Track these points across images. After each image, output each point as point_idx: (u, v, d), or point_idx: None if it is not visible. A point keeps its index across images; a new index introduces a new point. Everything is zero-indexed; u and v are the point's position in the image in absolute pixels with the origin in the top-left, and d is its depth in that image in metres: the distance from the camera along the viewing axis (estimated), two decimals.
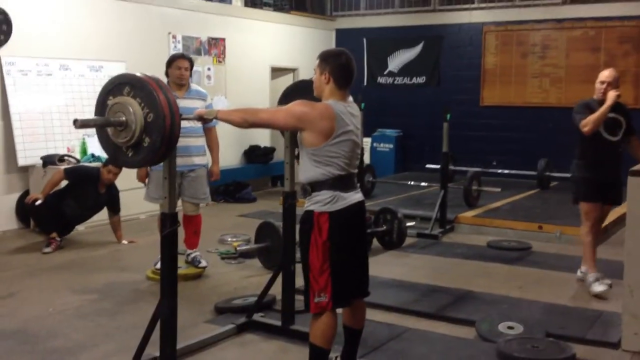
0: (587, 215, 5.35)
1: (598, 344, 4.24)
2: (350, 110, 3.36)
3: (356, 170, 3.46)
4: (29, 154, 7.43)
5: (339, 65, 3.35)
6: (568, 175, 9.65)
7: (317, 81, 3.42)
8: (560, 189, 10.01)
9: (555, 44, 10.82)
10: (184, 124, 5.43)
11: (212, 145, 5.78)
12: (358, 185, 3.51)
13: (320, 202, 3.32)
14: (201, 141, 5.66)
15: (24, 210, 7.34)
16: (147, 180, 5.66)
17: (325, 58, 3.38)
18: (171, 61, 5.58)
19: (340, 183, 3.33)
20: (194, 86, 5.75)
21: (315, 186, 3.35)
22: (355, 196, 3.41)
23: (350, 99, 3.47)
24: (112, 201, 6.93)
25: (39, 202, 6.60)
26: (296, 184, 4.09)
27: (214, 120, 3.58)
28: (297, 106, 3.29)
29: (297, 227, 3.65)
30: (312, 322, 3.38)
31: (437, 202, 7.50)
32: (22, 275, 5.80)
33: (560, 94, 10.82)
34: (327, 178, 3.31)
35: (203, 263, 5.83)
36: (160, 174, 5.47)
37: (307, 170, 3.37)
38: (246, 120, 3.39)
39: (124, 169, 6.53)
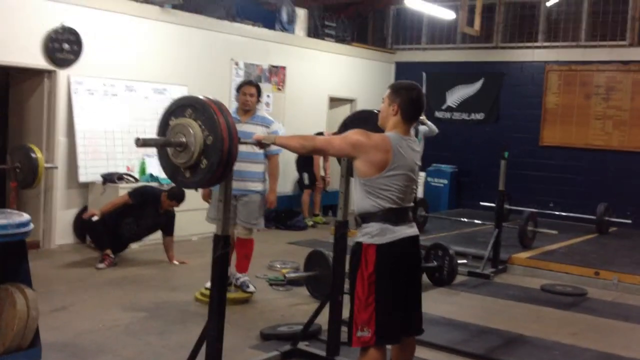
0: None
1: None
2: (410, 145, 3.34)
3: (411, 204, 3.42)
4: (90, 170, 7.63)
5: (409, 99, 3.33)
6: (628, 221, 9.54)
7: (384, 111, 3.40)
8: (619, 235, 9.73)
9: (620, 86, 10.59)
10: (242, 148, 5.48)
11: (272, 172, 5.80)
12: (412, 220, 3.45)
13: (368, 234, 3.30)
14: (259, 167, 5.68)
15: (81, 225, 7.52)
16: (210, 200, 5.76)
17: (397, 90, 3.37)
18: (239, 87, 5.73)
19: (392, 216, 3.29)
20: (260, 113, 5.82)
21: (365, 217, 3.33)
22: (408, 230, 3.35)
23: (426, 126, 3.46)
24: (168, 223, 7.05)
25: (95, 218, 6.75)
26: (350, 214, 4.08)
27: (276, 147, 3.62)
28: (353, 134, 3.30)
29: (348, 257, 3.63)
30: (360, 357, 3.32)
31: (491, 241, 7.36)
32: (75, 289, 5.92)
33: (624, 137, 10.55)
34: (377, 210, 3.29)
35: (251, 288, 5.85)
36: (217, 196, 5.56)
37: (359, 200, 3.37)
38: (304, 146, 3.43)
39: None
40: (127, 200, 6.85)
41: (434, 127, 9.09)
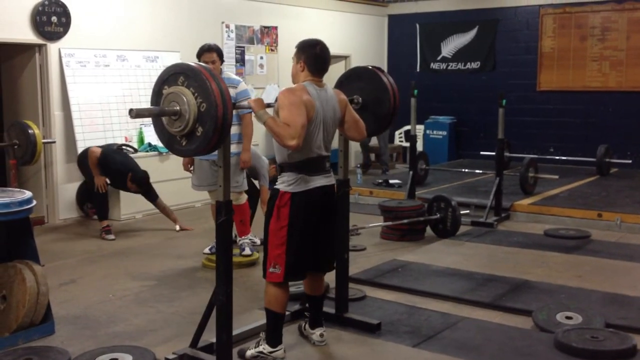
0: None
1: None
2: (320, 94, 3.59)
3: (328, 154, 3.69)
4: (88, 143, 7.57)
5: (313, 54, 3.65)
6: (628, 161, 9.56)
7: (293, 69, 3.71)
8: (620, 176, 9.75)
9: (616, 26, 10.47)
10: None
11: (245, 132, 5.60)
12: (330, 169, 3.74)
13: (285, 183, 3.59)
14: (233, 130, 5.57)
15: (84, 198, 7.55)
16: (191, 168, 5.74)
17: (302, 48, 3.69)
18: (199, 55, 5.53)
19: (307, 166, 3.57)
20: (226, 74, 5.69)
21: (283, 167, 3.61)
22: (322, 180, 3.64)
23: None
24: (144, 192, 6.99)
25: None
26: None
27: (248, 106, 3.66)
28: (292, 99, 3.45)
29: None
30: (266, 290, 3.70)
31: (492, 189, 7.39)
32: (83, 262, 5.97)
33: (621, 77, 10.49)
34: (293, 160, 3.56)
35: (247, 251, 5.82)
36: (200, 163, 5.55)
37: (277, 150, 3.62)
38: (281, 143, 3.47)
39: (175, 158, 6.65)
40: (98, 155, 6.76)
41: None
